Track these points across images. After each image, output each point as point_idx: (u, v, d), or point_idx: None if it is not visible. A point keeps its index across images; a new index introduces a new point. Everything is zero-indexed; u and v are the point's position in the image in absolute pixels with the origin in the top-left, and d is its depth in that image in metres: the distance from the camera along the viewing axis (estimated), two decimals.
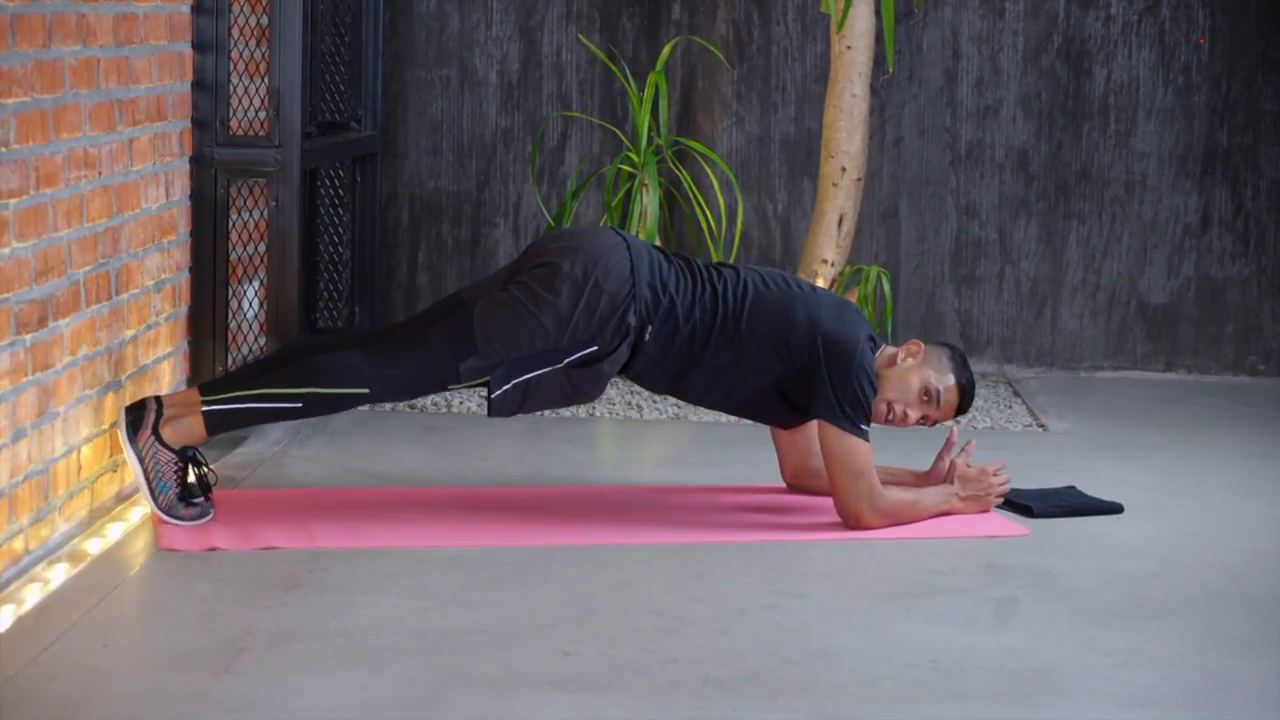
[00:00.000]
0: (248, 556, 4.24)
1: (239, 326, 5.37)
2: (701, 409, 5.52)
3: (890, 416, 4.63)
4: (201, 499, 4.45)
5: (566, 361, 4.48)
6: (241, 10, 5.32)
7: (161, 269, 4.95)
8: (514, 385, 4.47)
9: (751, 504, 4.84)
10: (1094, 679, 3.63)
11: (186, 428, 4.42)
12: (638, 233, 6.05)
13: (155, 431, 4.40)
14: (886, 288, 6.06)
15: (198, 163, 5.17)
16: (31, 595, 3.90)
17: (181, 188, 5.10)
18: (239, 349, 5.36)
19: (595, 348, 4.48)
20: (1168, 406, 6.24)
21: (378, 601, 3.96)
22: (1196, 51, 6.60)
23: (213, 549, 4.27)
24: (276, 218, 5.28)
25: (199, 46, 5.14)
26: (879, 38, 6.07)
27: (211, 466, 4.55)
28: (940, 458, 4.82)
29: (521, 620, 3.87)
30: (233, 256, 5.30)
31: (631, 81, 6.31)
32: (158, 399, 4.45)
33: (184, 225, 5.13)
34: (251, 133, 5.29)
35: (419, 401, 5.84)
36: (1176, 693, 3.57)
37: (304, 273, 5.52)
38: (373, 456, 5.25)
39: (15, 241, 3.99)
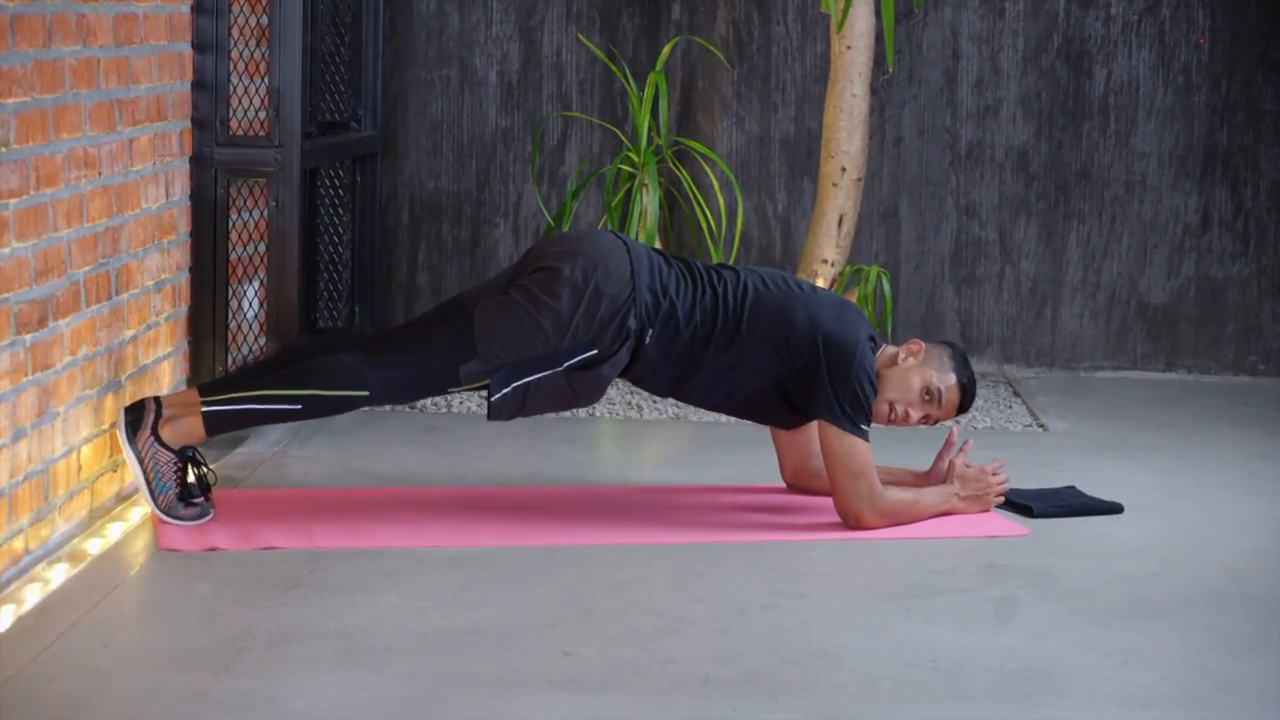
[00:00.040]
0: (248, 556, 4.24)
1: (239, 326, 5.37)
2: (701, 409, 5.52)
3: (892, 417, 4.63)
4: (201, 499, 4.45)
5: (567, 365, 4.48)
6: (241, 10, 5.32)
7: (161, 269, 4.95)
8: (514, 388, 4.47)
9: (751, 504, 4.84)
10: (1094, 679, 3.63)
11: (186, 428, 4.42)
12: (637, 233, 6.05)
13: (154, 432, 4.40)
14: (886, 288, 6.06)
15: (198, 163, 5.17)
16: (31, 595, 3.90)
17: (181, 188, 5.10)
18: (239, 349, 5.36)
19: (595, 351, 4.48)
20: (1168, 406, 6.24)
21: (378, 601, 3.96)
22: (1196, 51, 6.60)
23: (213, 549, 4.27)
24: (276, 218, 5.28)
25: (199, 46, 5.14)
26: (879, 38, 6.07)
27: (211, 466, 4.55)
28: (940, 458, 4.82)
29: (521, 620, 3.87)
30: (233, 256, 5.30)
31: (631, 81, 6.31)
32: (157, 399, 4.45)
33: (184, 225, 5.13)
34: (251, 133, 5.29)
35: (419, 402, 5.84)
36: (1176, 693, 3.57)
37: (304, 273, 5.52)
38: (373, 456, 5.25)
39: (15, 241, 3.99)
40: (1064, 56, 6.61)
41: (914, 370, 4.64)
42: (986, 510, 4.76)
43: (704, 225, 6.35)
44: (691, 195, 6.36)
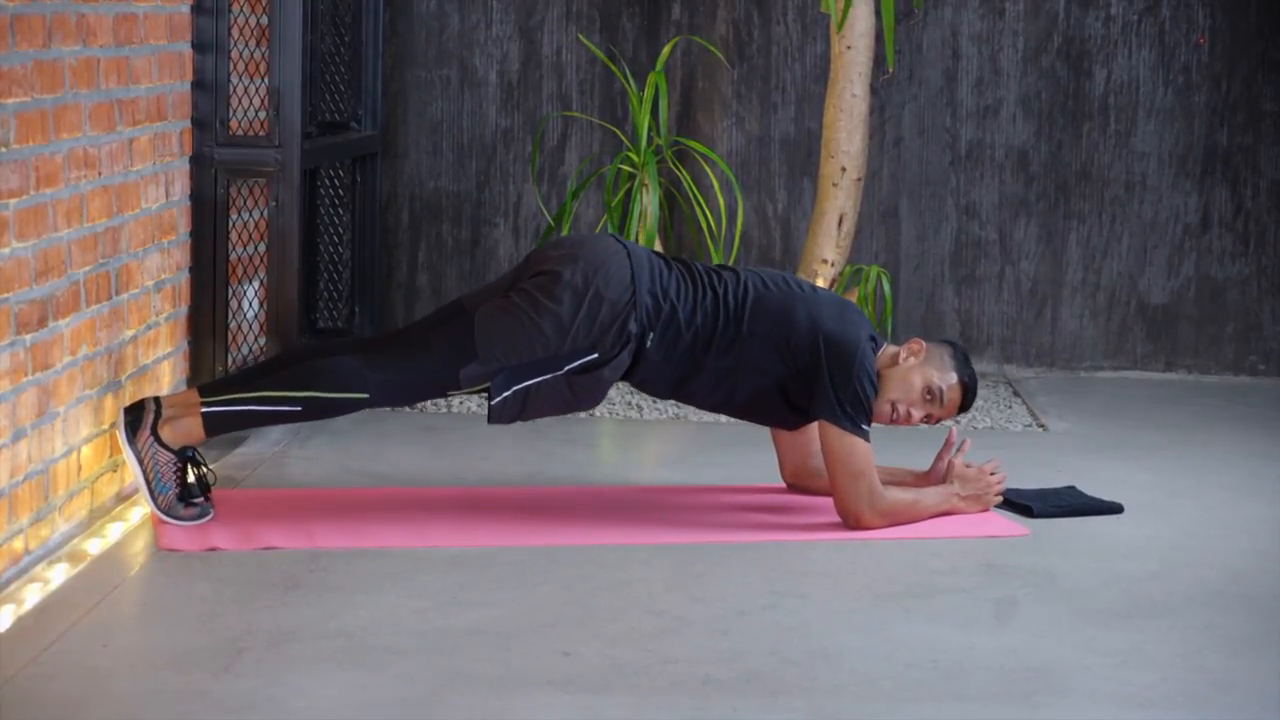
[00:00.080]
0: (248, 556, 4.24)
1: (239, 326, 5.37)
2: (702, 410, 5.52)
3: (895, 417, 4.63)
4: (201, 499, 4.45)
5: (567, 369, 4.48)
6: (241, 10, 5.32)
7: (161, 269, 4.94)
8: (514, 392, 4.47)
9: (751, 504, 4.84)
10: (1094, 679, 3.63)
11: (185, 428, 4.42)
12: (637, 233, 6.05)
13: (154, 432, 4.40)
14: (886, 288, 6.06)
15: (198, 163, 5.17)
16: (31, 595, 3.90)
17: (181, 188, 5.10)
18: (239, 349, 5.36)
19: (596, 355, 4.48)
20: (1168, 406, 6.24)
21: (378, 601, 3.96)
22: (1196, 51, 6.60)
23: (213, 549, 4.27)
24: (276, 218, 5.28)
25: (199, 46, 5.14)
26: (879, 38, 6.07)
27: (211, 466, 4.55)
28: (939, 458, 4.82)
29: (521, 620, 3.87)
30: (233, 256, 5.30)
31: (631, 81, 6.30)
32: (156, 400, 4.45)
33: (184, 225, 5.13)
34: (251, 133, 5.29)
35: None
36: (1176, 693, 3.57)
37: (304, 273, 5.52)
38: (373, 456, 5.25)
39: (15, 241, 3.99)
40: (1064, 56, 6.61)
41: (915, 370, 4.64)
42: (986, 510, 4.76)
43: (704, 225, 6.34)
44: (691, 195, 6.36)
